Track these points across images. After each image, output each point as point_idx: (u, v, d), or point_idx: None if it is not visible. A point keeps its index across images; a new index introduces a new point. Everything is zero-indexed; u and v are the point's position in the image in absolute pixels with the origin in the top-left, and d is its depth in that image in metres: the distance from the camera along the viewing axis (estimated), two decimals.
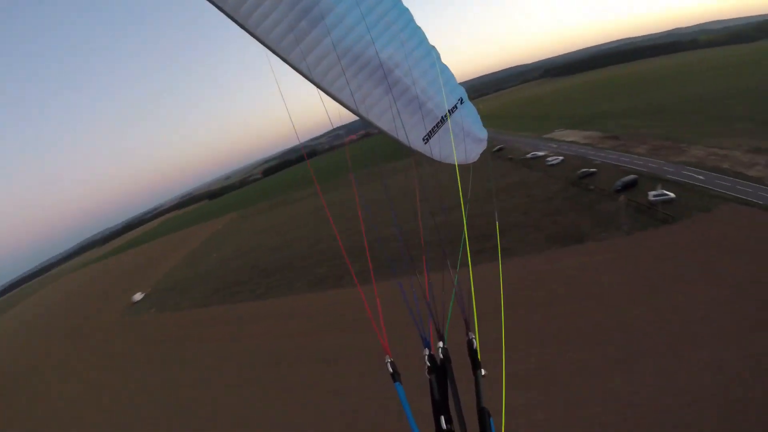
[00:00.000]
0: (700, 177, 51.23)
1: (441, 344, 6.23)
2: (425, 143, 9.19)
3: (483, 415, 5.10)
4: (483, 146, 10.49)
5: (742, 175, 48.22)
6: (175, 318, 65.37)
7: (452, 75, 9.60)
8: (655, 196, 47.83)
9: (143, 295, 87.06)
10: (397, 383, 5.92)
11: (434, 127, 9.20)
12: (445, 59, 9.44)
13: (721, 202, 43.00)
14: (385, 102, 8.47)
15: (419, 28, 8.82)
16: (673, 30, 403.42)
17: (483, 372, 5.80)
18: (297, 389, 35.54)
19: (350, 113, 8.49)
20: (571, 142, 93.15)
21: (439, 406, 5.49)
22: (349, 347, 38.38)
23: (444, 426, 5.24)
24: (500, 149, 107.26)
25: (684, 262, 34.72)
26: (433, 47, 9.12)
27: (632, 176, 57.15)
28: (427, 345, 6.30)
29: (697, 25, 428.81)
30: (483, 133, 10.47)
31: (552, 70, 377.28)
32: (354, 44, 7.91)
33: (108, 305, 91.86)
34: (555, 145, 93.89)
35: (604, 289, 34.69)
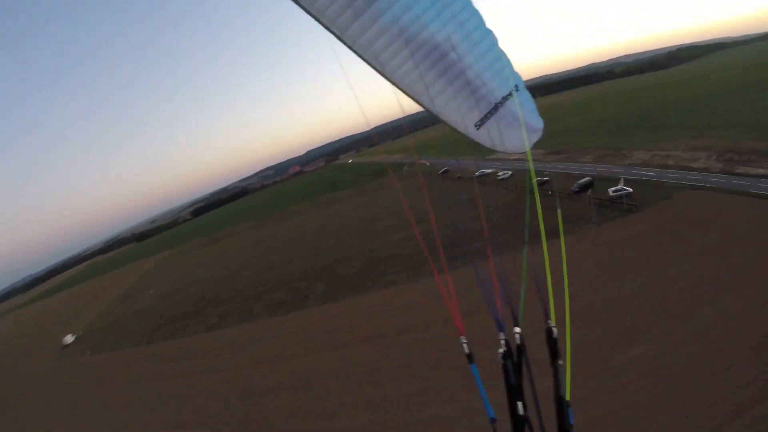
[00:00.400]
0: (651, 173, 55.24)
1: (517, 329, 6.14)
2: (477, 129, 8.93)
3: (561, 405, 5.08)
4: (537, 136, 9.98)
5: (688, 168, 53.06)
6: (115, 358, 56.38)
7: (509, 61, 9.32)
8: (614, 191, 50.47)
9: (74, 337, 77.84)
10: (473, 365, 5.89)
11: (488, 113, 8.93)
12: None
13: (678, 190, 46.65)
14: (439, 85, 8.38)
15: (477, 10, 8.62)
16: (590, 65, 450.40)
17: (560, 362, 5.70)
18: (279, 420, 30.20)
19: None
20: (516, 159, 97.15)
21: (515, 392, 5.42)
22: (326, 369, 34.17)
23: (521, 412, 5.17)
24: (446, 171, 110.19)
25: (660, 240, 36.45)
26: (491, 31, 8.93)
27: (587, 178, 60.30)
28: (502, 329, 6.14)
29: (611, 59, 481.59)
30: (539, 123, 9.99)
31: None
32: (410, 24, 7.92)
33: (36, 351, 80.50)
34: (500, 163, 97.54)
35: (595, 270, 34.77)
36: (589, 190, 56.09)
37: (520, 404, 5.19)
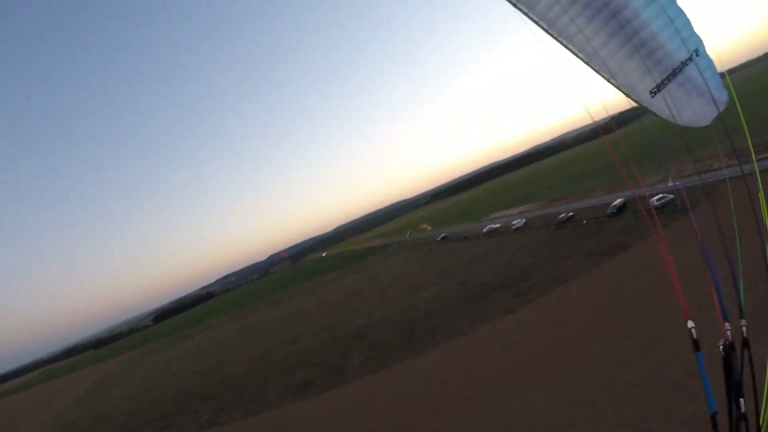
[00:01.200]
0: (677, 184, 52.77)
1: (743, 321, 5.61)
2: (652, 97, 7.87)
3: None
4: (720, 109, 8.32)
5: (711, 169, 51.65)
6: None
7: (689, 20, 7.89)
8: (658, 200, 49.26)
9: None
10: (699, 353, 5.37)
11: (664, 80, 7.84)
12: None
13: (718, 184, 43.24)
14: (611, 47, 7.73)
15: None
16: (533, 147, 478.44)
17: None
18: None
19: None
20: (519, 213, 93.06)
21: (738, 387, 5.07)
22: None
23: (743, 409, 4.93)
24: (444, 237, 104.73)
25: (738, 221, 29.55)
26: None
27: (620, 200, 57.64)
28: (728, 319, 5.51)
29: (553, 138, 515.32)
30: (723, 94, 8.37)
31: (438, 194, 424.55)
32: None
33: None
34: (504, 219, 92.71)
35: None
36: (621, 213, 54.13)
37: (742, 401, 4.91)
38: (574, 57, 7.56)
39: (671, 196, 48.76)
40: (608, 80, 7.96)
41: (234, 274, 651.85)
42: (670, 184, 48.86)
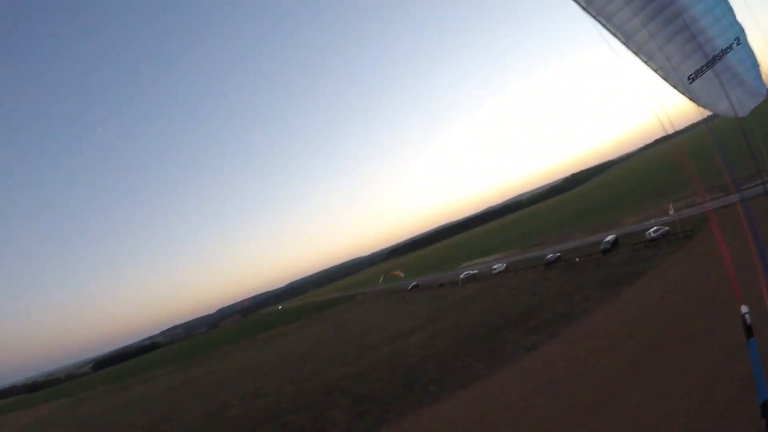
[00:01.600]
0: (665, 218, 53.57)
1: None
2: (690, 83, 7.78)
3: None
4: (758, 101, 8.25)
5: (698, 205, 53.36)
6: None
7: (731, 8, 7.65)
8: (655, 231, 48.90)
9: None
10: (752, 339, 5.30)
11: (703, 66, 7.68)
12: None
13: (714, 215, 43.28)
14: (650, 29, 7.57)
15: None
16: (486, 209, 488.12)
17: None
18: None
19: None
20: (494, 259, 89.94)
21: None
22: None
23: None
24: (416, 286, 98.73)
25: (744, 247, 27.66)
26: None
27: (612, 235, 57.15)
28: None
29: (506, 200, 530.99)
30: (762, 86, 8.17)
31: (395, 251, 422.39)
32: None
33: None
34: (480, 266, 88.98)
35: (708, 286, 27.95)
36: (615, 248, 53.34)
37: None
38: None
39: (667, 228, 48.73)
40: (645, 62, 7.80)
41: (180, 326, 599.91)
42: (671, 212, 48.32)
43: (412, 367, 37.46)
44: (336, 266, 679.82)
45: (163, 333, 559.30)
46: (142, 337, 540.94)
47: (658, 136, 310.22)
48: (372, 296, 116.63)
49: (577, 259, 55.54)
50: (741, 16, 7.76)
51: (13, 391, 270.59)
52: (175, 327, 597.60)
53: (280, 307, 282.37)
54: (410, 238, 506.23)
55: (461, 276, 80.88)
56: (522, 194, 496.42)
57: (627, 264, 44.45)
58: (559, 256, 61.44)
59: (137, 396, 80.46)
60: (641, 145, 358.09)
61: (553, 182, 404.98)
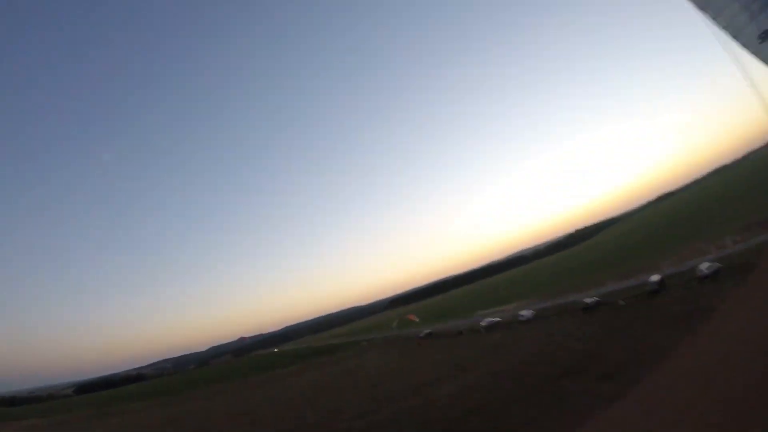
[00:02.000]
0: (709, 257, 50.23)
1: None
2: (759, 43, 6.73)
3: None
4: None
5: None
6: None
7: None
8: (707, 269, 44.81)
9: None
10: None
11: None
12: None
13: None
14: None
15: None
16: (488, 264, 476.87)
17: None
18: None
19: None
20: (516, 307, 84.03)
21: None
22: None
23: None
24: (429, 334, 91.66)
25: None
26: None
27: (656, 276, 51.66)
28: None
29: (508, 255, 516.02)
30: None
31: (396, 301, 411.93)
32: None
33: None
34: (501, 314, 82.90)
35: None
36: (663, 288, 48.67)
37: None
38: None
39: (719, 265, 44.61)
40: (713, 19, 9.16)
41: (170, 360, 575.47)
42: (728, 248, 46.43)
43: (454, 422, 31.31)
44: (333, 313, 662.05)
45: (151, 365, 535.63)
46: (129, 367, 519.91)
47: (662, 192, 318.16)
48: (380, 343, 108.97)
49: (622, 302, 50.73)
50: None
51: None
52: (164, 361, 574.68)
53: (276, 350, 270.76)
54: (411, 289, 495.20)
55: (482, 324, 74.75)
56: (525, 249, 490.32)
57: (686, 302, 39.59)
58: (597, 301, 56.15)
59: (112, 428, 70.88)
60: (643, 201, 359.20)
61: (557, 238, 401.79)
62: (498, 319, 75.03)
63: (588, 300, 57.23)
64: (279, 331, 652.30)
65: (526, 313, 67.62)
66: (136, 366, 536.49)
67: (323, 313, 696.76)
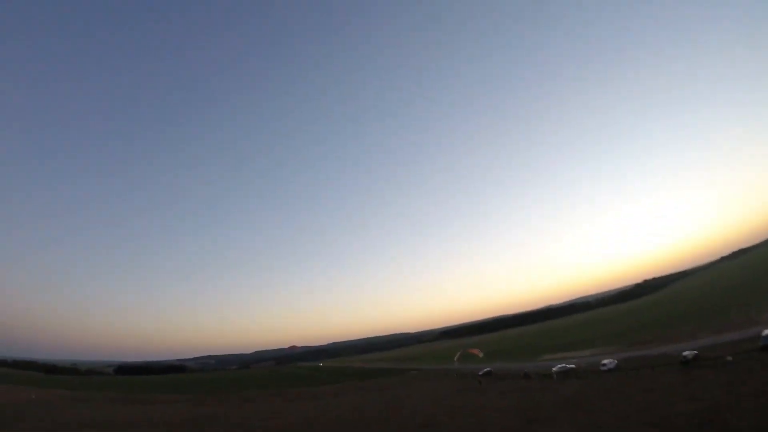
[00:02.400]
0: None
1: None
2: None
3: None
4: None
5: None
6: None
7: None
8: None
9: None
10: None
11: None
12: None
13: None
14: None
15: None
16: (546, 306, 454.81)
17: None
18: None
19: None
20: (593, 354, 75.47)
21: None
22: None
23: None
24: (488, 372, 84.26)
25: None
26: None
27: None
28: None
29: (568, 300, 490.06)
30: None
31: (447, 333, 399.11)
32: None
33: None
34: (575, 360, 74.66)
35: None
36: None
37: None
38: None
39: None
40: None
41: (214, 357, 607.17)
42: None
43: None
44: (381, 336, 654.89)
45: (195, 359, 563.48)
46: (175, 357, 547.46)
47: (736, 247, 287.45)
48: (430, 375, 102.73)
49: (729, 358, 44.68)
50: None
51: (32, 366, 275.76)
52: (209, 357, 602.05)
53: (320, 364, 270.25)
54: (465, 322, 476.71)
55: (554, 369, 67.10)
56: (588, 295, 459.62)
57: None
58: (696, 354, 49.66)
59: (126, 417, 66.55)
60: (716, 256, 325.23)
61: (623, 287, 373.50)
62: (572, 365, 67.15)
63: (686, 353, 49.78)
64: (325, 345, 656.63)
65: (608, 362, 59.66)
66: (182, 357, 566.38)
67: (371, 335, 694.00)
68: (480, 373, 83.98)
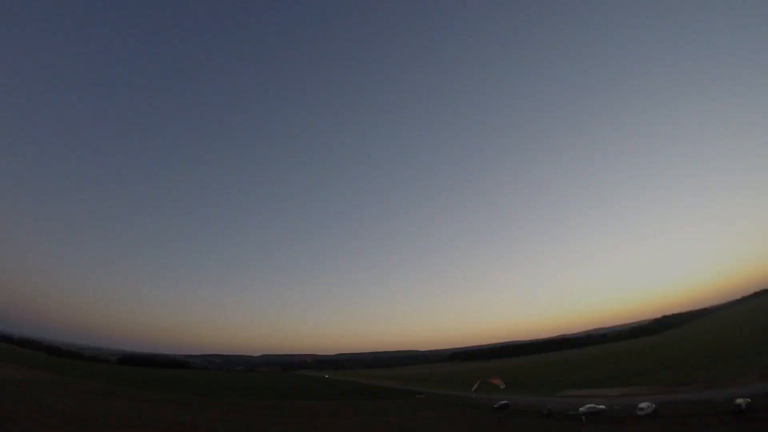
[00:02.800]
0: None
1: None
2: None
3: None
4: None
5: None
6: None
7: None
8: None
9: None
10: None
11: None
12: None
13: None
14: None
15: None
16: (560, 335, 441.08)
17: None
18: None
19: None
20: (621, 395, 68.86)
21: None
22: None
23: None
24: (505, 405, 77.46)
25: None
26: None
27: None
28: None
29: (583, 331, 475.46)
30: None
31: (457, 355, 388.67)
32: None
33: None
34: (604, 399, 68.00)
35: None
36: None
37: None
38: None
39: None
40: None
41: (221, 356, 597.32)
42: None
43: None
44: (389, 351, 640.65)
45: (202, 356, 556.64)
46: (182, 352, 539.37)
47: (760, 287, 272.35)
48: (438, 402, 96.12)
49: None
50: None
51: (34, 345, 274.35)
52: (216, 355, 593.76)
53: (327, 376, 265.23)
54: (476, 345, 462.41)
55: (581, 409, 60.75)
56: (604, 327, 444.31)
57: None
58: (750, 402, 44.06)
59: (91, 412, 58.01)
60: (737, 295, 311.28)
61: (641, 321, 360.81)
62: (602, 406, 60.73)
63: (739, 401, 44.02)
64: (332, 356, 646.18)
65: (646, 405, 53.40)
66: (189, 353, 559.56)
67: (379, 349, 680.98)
68: (496, 406, 77.51)
